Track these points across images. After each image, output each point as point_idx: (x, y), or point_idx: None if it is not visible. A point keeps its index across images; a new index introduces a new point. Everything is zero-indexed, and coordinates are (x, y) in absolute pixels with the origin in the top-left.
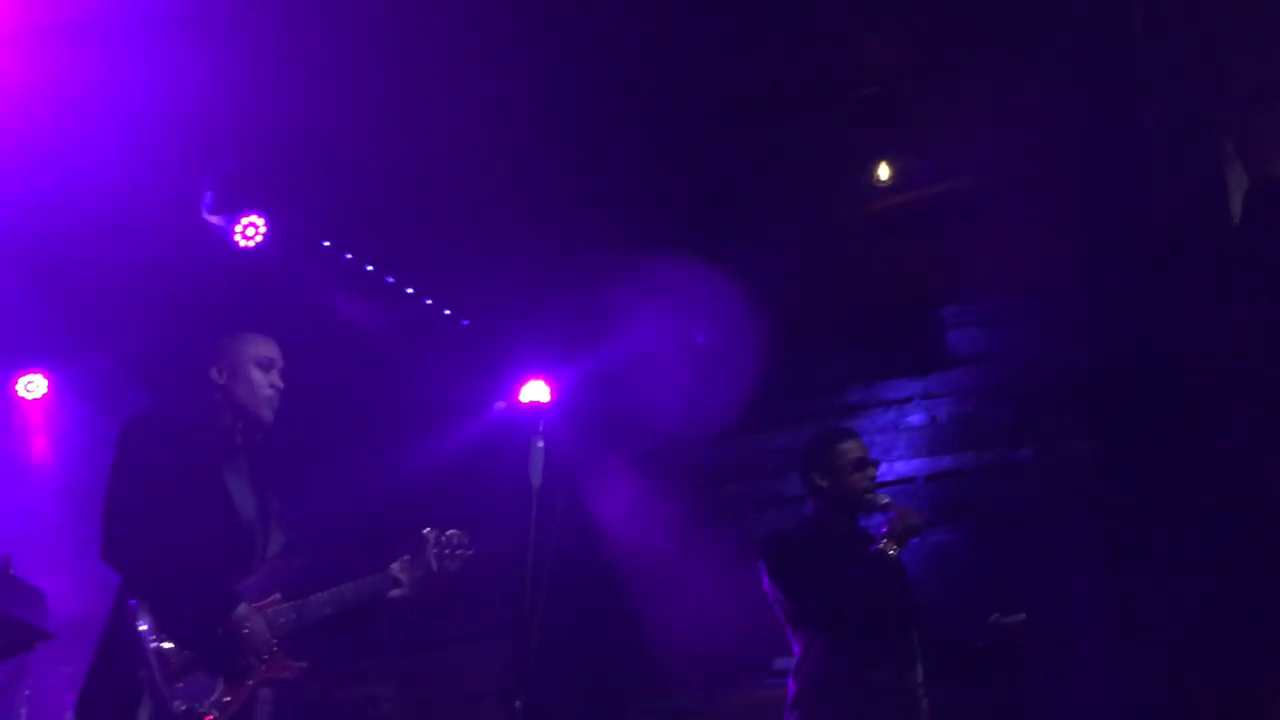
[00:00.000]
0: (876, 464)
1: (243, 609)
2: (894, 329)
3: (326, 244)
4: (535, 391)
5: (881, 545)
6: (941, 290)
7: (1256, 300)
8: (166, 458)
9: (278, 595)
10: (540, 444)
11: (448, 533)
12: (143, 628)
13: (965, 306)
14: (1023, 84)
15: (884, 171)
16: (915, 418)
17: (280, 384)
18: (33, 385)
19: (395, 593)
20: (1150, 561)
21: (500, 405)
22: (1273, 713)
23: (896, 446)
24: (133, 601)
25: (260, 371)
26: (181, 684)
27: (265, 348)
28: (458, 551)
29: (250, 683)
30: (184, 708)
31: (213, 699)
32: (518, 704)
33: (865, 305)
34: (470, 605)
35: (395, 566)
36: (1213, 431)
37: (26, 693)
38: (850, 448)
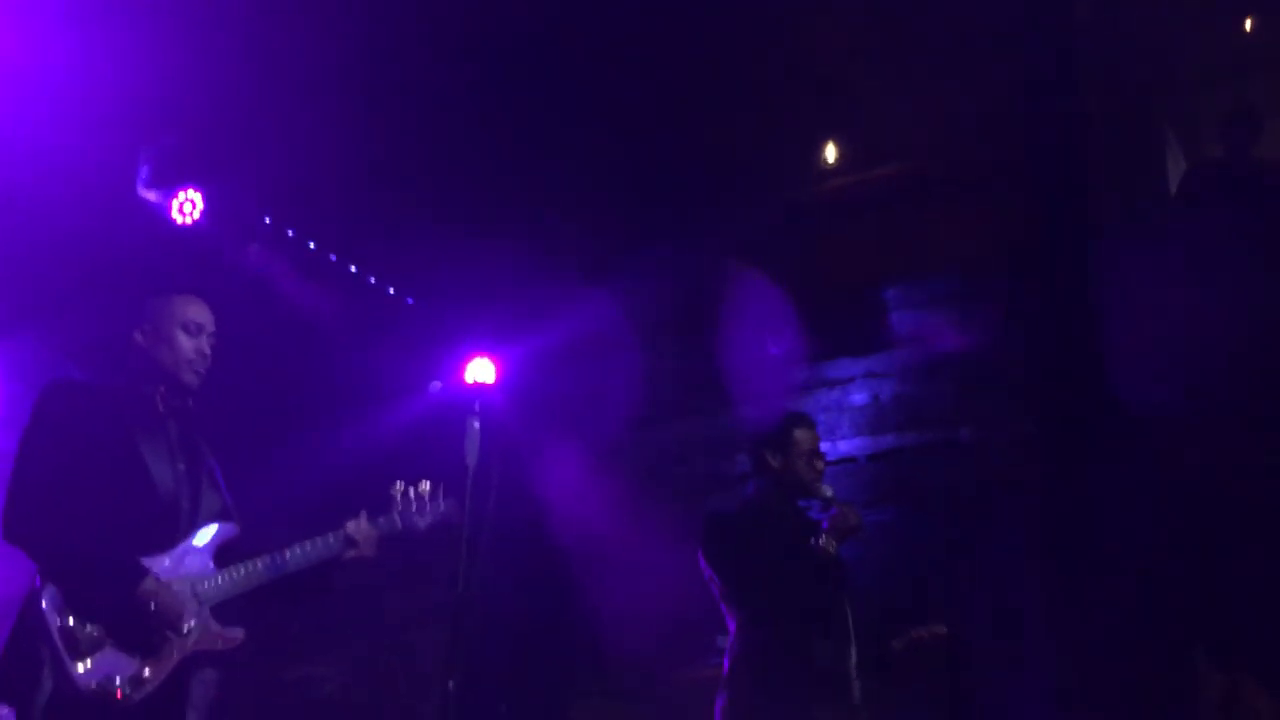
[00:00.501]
0: (824, 456)
1: (149, 582)
2: (838, 309)
3: (266, 220)
4: (479, 370)
5: (822, 541)
6: (886, 271)
7: (1190, 280)
8: (78, 425)
9: (208, 563)
10: (476, 424)
11: (418, 486)
12: (45, 605)
13: (909, 287)
14: (967, 68)
15: (830, 153)
16: (858, 397)
17: (208, 350)
18: None
19: (351, 553)
20: (1089, 542)
21: (436, 385)
22: (1210, 691)
23: (840, 426)
24: (37, 580)
25: (186, 335)
26: (91, 662)
27: (193, 310)
28: (428, 508)
29: (174, 657)
30: (94, 685)
31: (128, 675)
32: (450, 685)
33: (810, 286)
34: (415, 585)
35: (351, 525)
36: (1148, 414)
37: None
38: (807, 437)
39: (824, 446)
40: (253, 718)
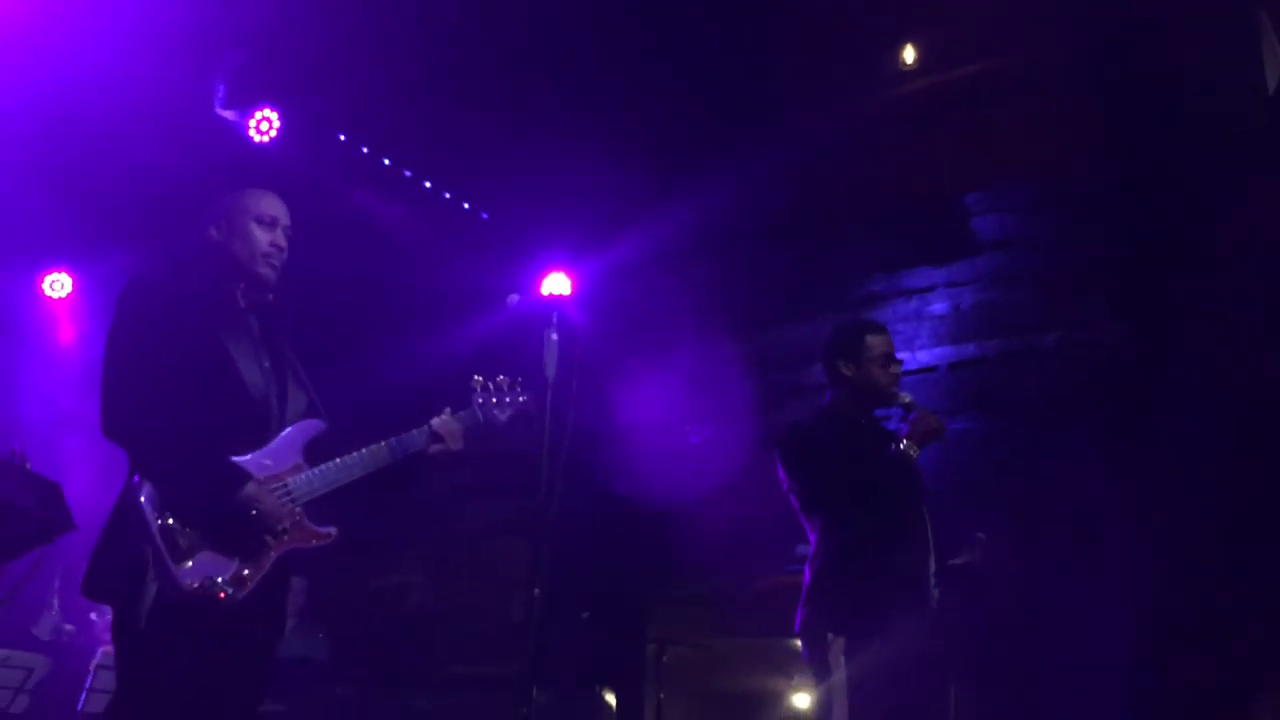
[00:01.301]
0: (901, 362)
1: (251, 486)
2: (917, 216)
3: (342, 138)
4: (555, 284)
5: (903, 446)
6: (966, 175)
7: None
8: (163, 322)
9: (300, 461)
10: (554, 336)
11: (496, 379)
12: (143, 502)
13: (990, 191)
14: None
15: (908, 54)
16: (938, 306)
17: (283, 243)
18: (58, 284)
19: (436, 448)
20: (1173, 448)
21: (513, 298)
22: None
23: (919, 336)
24: (135, 478)
25: (260, 228)
26: (191, 562)
27: (267, 204)
28: (507, 399)
29: (271, 556)
30: (195, 584)
31: (228, 575)
32: (536, 593)
33: (888, 193)
34: (498, 497)
35: (436, 421)
36: (1241, 316)
37: (57, 584)
38: (879, 341)
39: (903, 356)
40: (342, 626)
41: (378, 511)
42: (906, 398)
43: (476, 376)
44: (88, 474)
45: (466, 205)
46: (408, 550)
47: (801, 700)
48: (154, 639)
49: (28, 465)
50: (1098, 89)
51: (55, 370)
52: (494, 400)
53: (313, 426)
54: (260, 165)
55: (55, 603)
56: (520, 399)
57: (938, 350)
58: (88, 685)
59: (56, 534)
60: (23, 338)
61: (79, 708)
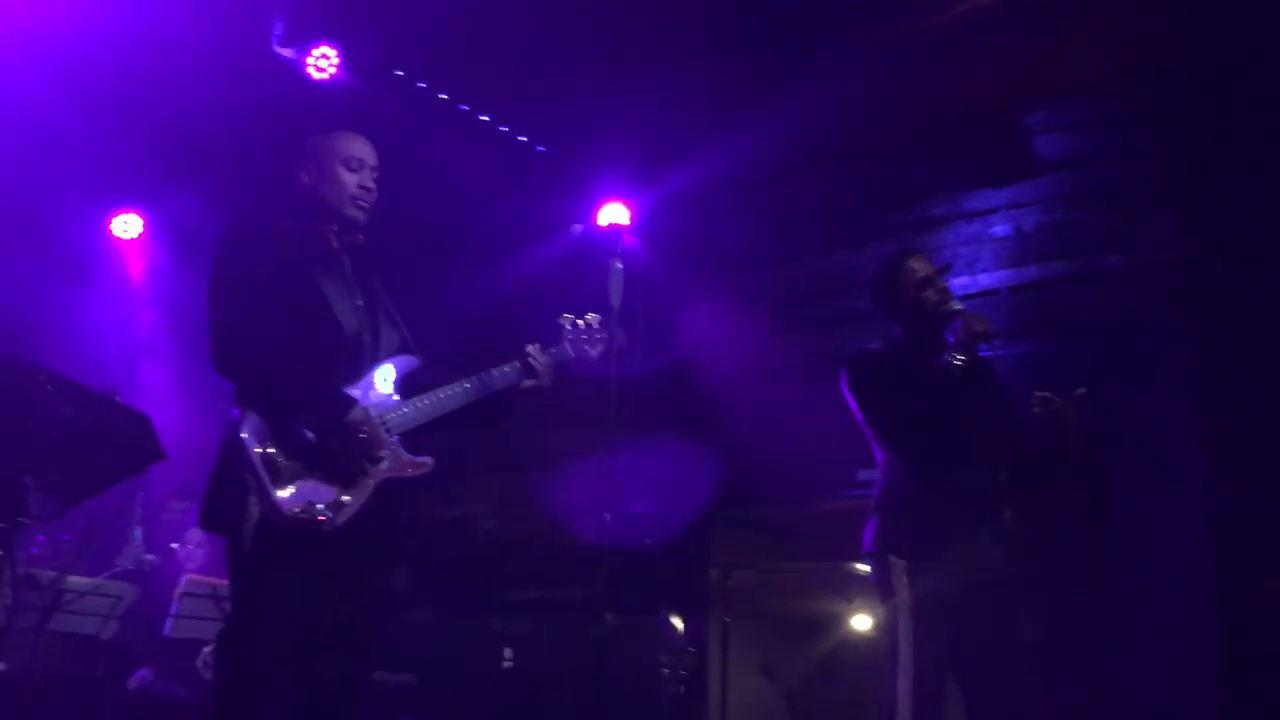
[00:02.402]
0: (947, 269)
1: (358, 412)
2: (978, 137)
3: (400, 73)
4: (614, 214)
5: (948, 357)
6: (1028, 94)
7: None
8: (265, 265)
9: (393, 393)
10: (619, 264)
11: (586, 317)
12: (244, 435)
13: (1053, 110)
14: None
15: None
16: (1000, 229)
17: (370, 184)
18: (128, 225)
19: (528, 383)
20: (1243, 369)
21: (578, 228)
22: None
23: (980, 259)
24: (235, 410)
25: (348, 171)
26: (293, 488)
27: (353, 146)
28: (599, 336)
29: (370, 484)
30: (297, 509)
31: (329, 501)
32: (606, 517)
33: (947, 114)
34: (563, 425)
35: (531, 358)
36: None
37: (139, 514)
38: (916, 267)
39: (964, 280)
40: (415, 554)
41: (447, 438)
42: (955, 305)
43: (566, 314)
44: (169, 408)
45: (524, 139)
46: (480, 477)
47: (861, 623)
48: (262, 564)
49: (118, 398)
50: (1161, 3)
51: (130, 309)
52: (584, 337)
53: (406, 362)
54: (321, 103)
55: (138, 533)
56: (611, 335)
57: (999, 273)
58: (173, 612)
59: (148, 463)
60: (96, 278)
61: (165, 633)
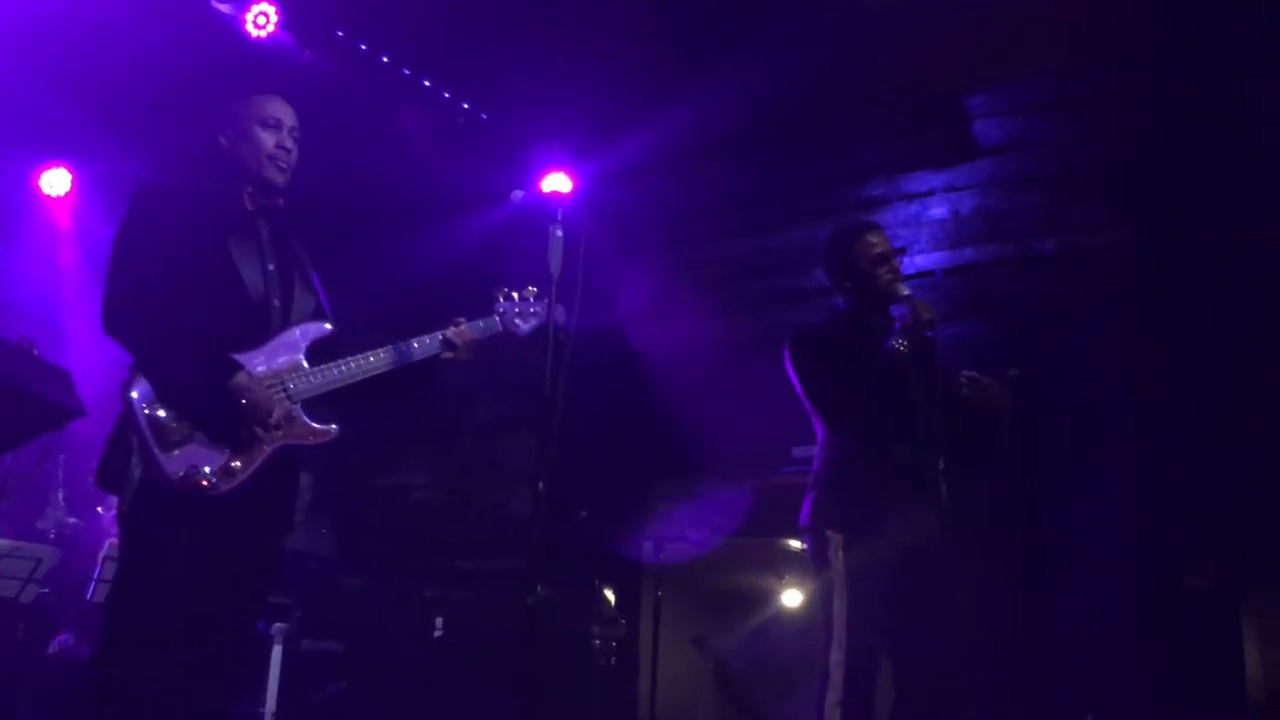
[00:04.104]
0: (902, 252)
1: (241, 377)
2: (919, 119)
3: (340, 34)
4: (556, 183)
5: (893, 342)
6: (968, 77)
7: None
8: (168, 225)
9: (299, 360)
10: (559, 232)
11: (523, 290)
12: (135, 396)
13: (994, 94)
14: None
15: None
16: (937, 211)
17: (289, 145)
18: (56, 180)
19: (447, 355)
20: (1172, 352)
21: (517, 195)
22: None
23: (918, 240)
24: (127, 373)
25: (266, 131)
26: (179, 452)
27: (271, 106)
28: (531, 310)
29: (264, 450)
30: (180, 473)
31: (216, 467)
32: (540, 487)
33: (889, 95)
34: (502, 393)
35: (452, 330)
36: (1244, 221)
37: (60, 477)
38: (876, 240)
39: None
40: (346, 522)
41: (383, 409)
42: (904, 290)
43: (503, 288)
44: (93, 366)
45: (466, 105)
46: (412, 447)
47: (792, 598)
48: (141, 526)
49: (35, 352)
50: None
51: (56, 265)
52: (516, 311)
53: (317, 329)
54: (258, 61)
55: (59, 495)
56: (546, 311)
57: (935, 255)
58: (96, 576)
59: (67, 420)
60: (18, 232)
61: (88, 598)
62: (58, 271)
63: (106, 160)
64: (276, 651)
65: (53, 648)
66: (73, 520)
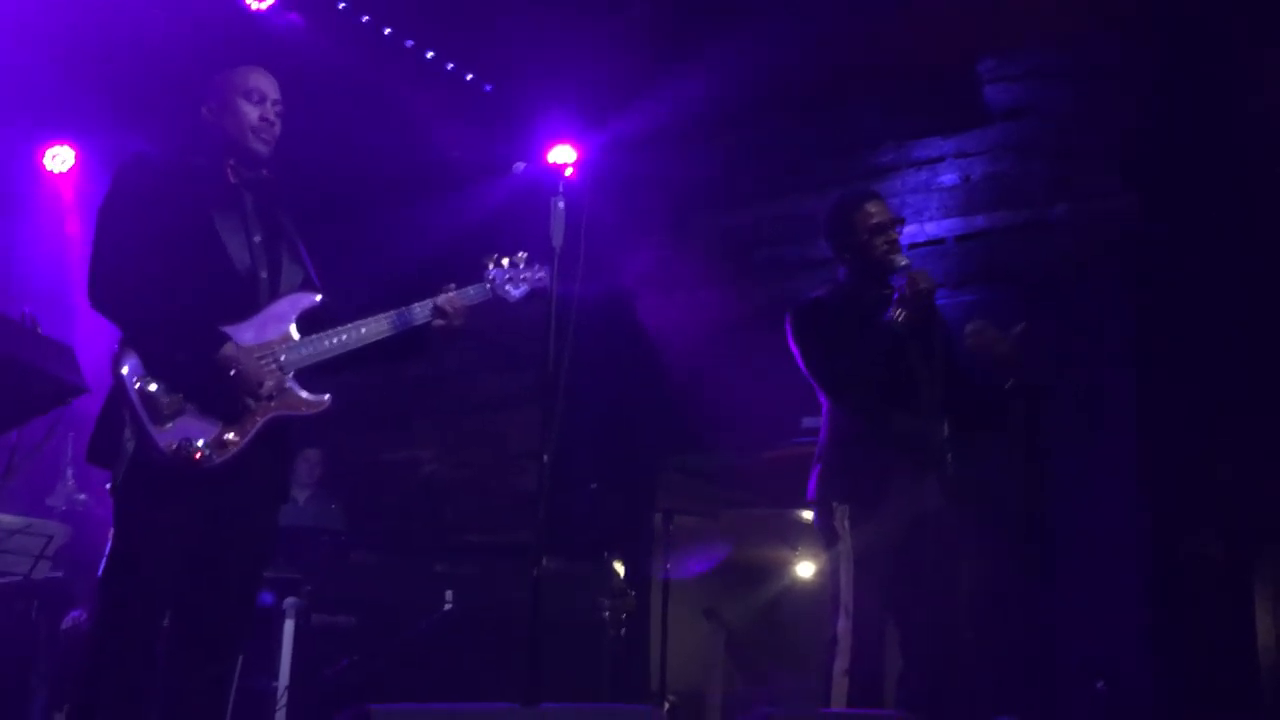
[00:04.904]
0: (901, 222)
1: (229, 347)
2: (928, 85)
3: (342, 6)
4: (561, 155)
5: (892, 314)
6: (978, 43)
7: None
8: (152, 197)
9: (288, 331)
10: (560, 204)
11: (514, 256)
12: (125, 370)
13: (1004, 59)
14: None
15: None
16: (948, 177)
17: (272, 117)
18: (60, 157)
19: (438, 323)
20: (1182, 317)
21: (519, 166)
22: None
23: (928, 207)
24: (116, 346)
25: (248, 103)
26: (172, 424)
27: (254, 78)
28: (522, 276)
29: (256, 421)
30: (172, 445)
31: (209, 439)
32: (545, 459)
33: (898, 61)
34: (507, 369)
35: (441, 297)
36: (1254, 188)
37: (70, 453)
38: (875, 210)
39: (911, 229)
40: (356, 498)
41: (390, 384)
42: (903, 261)
43: (494, 254)
44: (101, 342)
45: (469, 77)
46: (420, 421)
47: (805, 569)
48: (133, 500)
49: (38, 328)
50: None
51: (61, 241)
52: (507, 277)
53: (306, 300)
54: (260, 34)
55: (69, 472)
56: (537, 276)
57: (946, 222)
58: (107, 553)
59: (71, 396)
60: (23, 209)
61: (100, 574)
62: (63, 247)
63: (111, 135)
64: (289, 626)
65: (66, 624)
66: (83, 496)
